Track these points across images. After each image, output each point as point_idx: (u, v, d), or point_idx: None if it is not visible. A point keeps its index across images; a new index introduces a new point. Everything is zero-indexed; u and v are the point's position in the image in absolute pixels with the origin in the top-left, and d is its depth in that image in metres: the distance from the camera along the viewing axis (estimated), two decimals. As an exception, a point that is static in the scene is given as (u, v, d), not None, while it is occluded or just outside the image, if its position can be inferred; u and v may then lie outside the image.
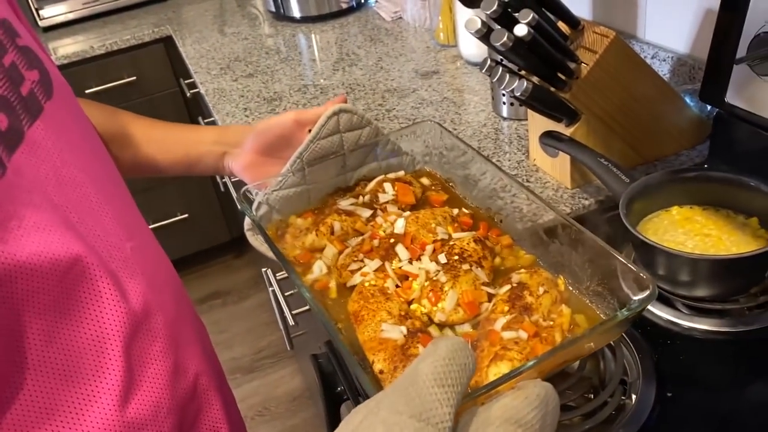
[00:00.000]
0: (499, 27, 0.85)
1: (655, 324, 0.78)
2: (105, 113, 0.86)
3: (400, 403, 0.36)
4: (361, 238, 0.76)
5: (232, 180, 1.58)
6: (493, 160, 0.92)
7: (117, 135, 0.85)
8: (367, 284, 0.68)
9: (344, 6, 2.06)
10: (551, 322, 0.60)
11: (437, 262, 0.69)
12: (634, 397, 0.68)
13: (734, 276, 0.76)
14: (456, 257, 0.68)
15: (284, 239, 0.79)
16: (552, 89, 0.95)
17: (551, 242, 0.70)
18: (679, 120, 1.05)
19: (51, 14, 2.41)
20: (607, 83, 0.95)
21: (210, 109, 1.58)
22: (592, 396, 0.68)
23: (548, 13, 0.94)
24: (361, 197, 0.82)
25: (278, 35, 2.00)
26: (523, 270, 0.67)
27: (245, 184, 0.84)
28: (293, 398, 2.26)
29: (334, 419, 0.81)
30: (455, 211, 0.78)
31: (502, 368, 0.54)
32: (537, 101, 0.93)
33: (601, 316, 0.63)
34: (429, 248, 0.71)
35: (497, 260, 0.72)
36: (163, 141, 0.89)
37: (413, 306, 0.66)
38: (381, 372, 0.58)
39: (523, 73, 0.95)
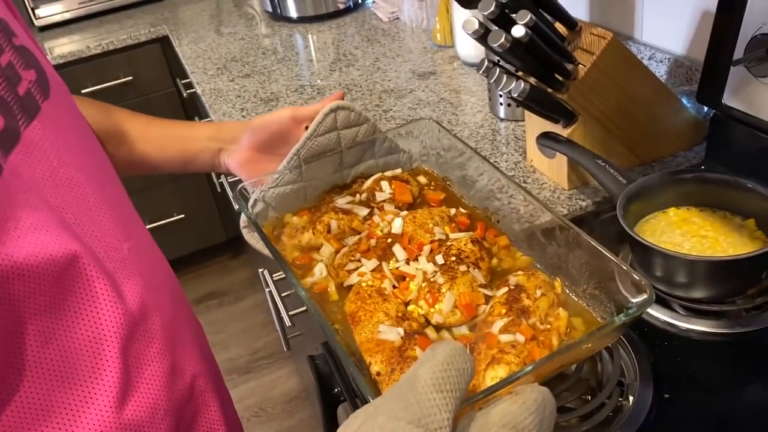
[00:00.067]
0: (497, 28, 0.85)
1: (652, 325, 0.78)
2: (100, 111, 0.85)
3: (398, 408, 0.36)
4: (358, 237, 0.76)
5: (229, 180, 1.58)
6: (490, 161, 0.91)
7: (112, 133, 0.84)
8: (364, 284, 0.67)
9: (341, 6, 2.05)
10: (548, 326, 0.60)
11: (434, 263, 0.69)
12: (631, 398, 0.68)
13: (731, 277, 0.76)
14: (453, 258, 0.68)
15: (280, 238, 0.78)
16: (549, 90, 0.95)
17: (548, 244, 0.70)
18: (676, 121, 1.05)
19: (47, 14, 2.40)
20: (605, 84, 0.95)
21: (206, 109, 1.58)
22: (590, 398, 0.68)
23: (545, 14, 0.94)
24: (358, 195, 0.82)
25: (275, 35, 1.99)
26: (520, 272, 0.67)
27: (242, 184, 0.84)
28: (290, 399, 2.26)
29: (331, 421, 0.81)
30: (452, 210, 0.78)
31: (500, 372, 0.54)
32: (534, 102, 0.93)
33: (598, 319, 0.63)
34: (426, 248, 0.71)
35: (494, 261, 0.72)
36: (158, 138, 0.89)
37: (410, 307, 0.66)
38: (378, 374, 0.58)
39: (520, 74, 0.95)
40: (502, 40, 0.83)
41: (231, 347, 2.48)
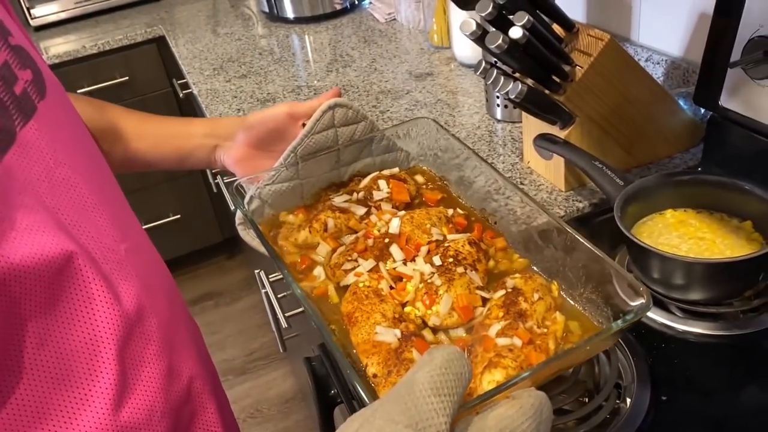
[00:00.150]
0: (494, 29, 0.85)
1: (649, 327, 0.78)
2: (94, 108, 0.85)
3: (396, 412, 0.35)
4: (355, 236, 0.76)
5: (225, 180, 1.57)
6: (488, 162, 0.91)
7: (107, 130, 0.84)
8: (361, 285, 0.67)
9: (338, 7, 2.05)
10: (545, 330, 0.60)
11: (432, 264, 0.69)
12: (628, 400, 0.68)
13: (728, 279, 0.76)
14: (451, 259, 0.68)
15: (277, 238, 0.78)
16: (546, 92, 0.95)
17: (545, 247, 0.69)
18: (673, 123, 1.05)
19: (42, 13, 2.40)
20: (602, 86, 0.95)
21: (203, 109, 1.57)
22: (587, 400, 0.68)
23: (543, 16, 0.94)
24: (355, 194, 0.82)
25: (272, 36, 1.99)
26: (517, 275, 0.67)
27: (238, 180, 0.84)
28: (286, 400, 2.25)
29: (327, 423, 0.81)
30: (450, 211, 0.78)
31: (496, 375, 0.54)
32: (531, 104, 0.93)
33: (595, 323, 0.63)
34: (424, 249, 0.71)
35: (491, 263, 0.72)
36: (153, 135, 0.88)
37: (407, 308, 0.66)
38: (375, 376, 0.58)
39: (517, 75, 0.95)
40: (500, 41, 0.83)
41: (227, 348, 2.48)
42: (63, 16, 2.42)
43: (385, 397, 0.37)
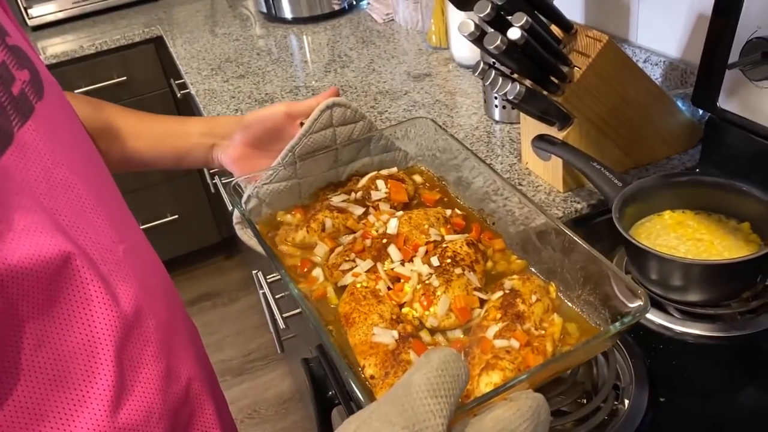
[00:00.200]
0: (492, 30, 0.85)
1: (647, 329, 0.78)
2: (92, 107, 0.84)
3: (392, 413, 0.35)
4: (352, 236, 0.76)
5: (223, 180, 1.57)
6: (486, 162, 0.91)
7: (104, 129, 0.83)
8: (358, 285, 0.67)
9: (336, 7, 2.05)
10: (543, 332, 0.60)
11: (429, 265, 0.69)
12: (626, 402, 0.68)
13: (726, 281, 0.76)
14: (449, 260, 0.68)
15: (274, 240, 0.78)
16: (545, 93, 0.95)
17: (543, 248, 0.69)
18: (671, 124, 1.05)
19: (40, 13, 2.39)
20: (600, 87, 0.95)
21: (201, 110, 1.57)
22: (585, 401, 0.68)
23: (541, 17, 0.94)
24: (353, 193, 0.82)
25: (270, 36, 1.99)
26: (515, 276, 0.67)
27: (235, 179, 0.83)
28: (283, 401, 2.25)
29: (325, 424, 0.81)
30: (448, 211, 0.78)
31: (494, 378, 0.54)
32: (530, 105, 0.93)
33: (593, 325, 0.63)
34: (421, 250, 0.71)
35: (489, 264, 0.72)
36: (150, 135, 0.88)
37: (405, 309, 0.65)
38: (372, 377, 0.58)
39: (515, 76, 0.95)
40: (498, 42, 0.83)
41: (225, 348, 2.48)
42: (60, 15, 2.42)
43: (382, 398, 0.37)
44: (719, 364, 0.75)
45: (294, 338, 1.45)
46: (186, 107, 2.28)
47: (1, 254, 0.41)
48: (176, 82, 2.11)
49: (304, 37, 1.96)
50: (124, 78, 2.30)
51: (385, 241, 0.72)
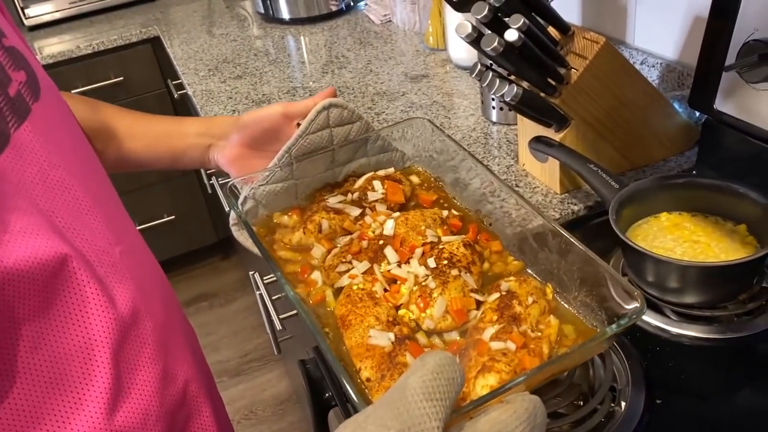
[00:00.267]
0: (490, 32, 0.85)
1: (644, 330, 0.78)
2: (88, 107, 0.84)
3: (388, 417, 0.35)
4: (349, 237, 0.75)
5: (219, 181, 1.57)
6: (483, 163, 0.91)
7: (100, 130, 0.83)
8: (355, 287, 0.67)
9: (333, 8, 2.05)
10: (539, 333, 0.60)
11: (426, 266, 0.68)
12: (623, 404, 0.68)
13: (723, 283, 0.77)
14: (445, 262, 0.68)
15: (272, 240, 0.78)
16: (542, 94, 0.95)
17: (540, 249, 0.69)
18: (667, 126, 1.06)
19: (37, 13, 2.39)
20: (597, 89, 0.95)
21: (198, 110, 1.57)
22: (582, 403, 0.68)
23: (538, 19, 0.93)
24: (349, 194, 0.81)
25: (267, 37, 1.99)
26: (512, 278, 0.67)
27: (232, 180, 0.83)
28: (280, 402, 2.25)
29: (321, 426, 0.80)
30: (445, 212, 0.78)
31: (490, 380, 0.54)
32: (527, 106, 0.93)
33: (589, 327, 0.63)
34: (418, 251, 0.71)
35: (485, 265, 0.72)
36: (146, 135, 0.87)
37: (401, 311, 0.65)
38: (368, 380, 0.58)
39: (513, 78, 0.95)
40: (495, 44, 0.83)
41: (221, 349, 2.47)
42: (57, 16, 2.42)
43: (378, 402, 0.37)
44: (716, 366, 0.75)
45: (290, 339, 1.44)
46: (183, 108, 2.28)
47: None
48: (173, 82, 2.11)
49: (302, 37, 1.95)
50: (121, 78, 2.29)
51: (381, 242, 0.72)
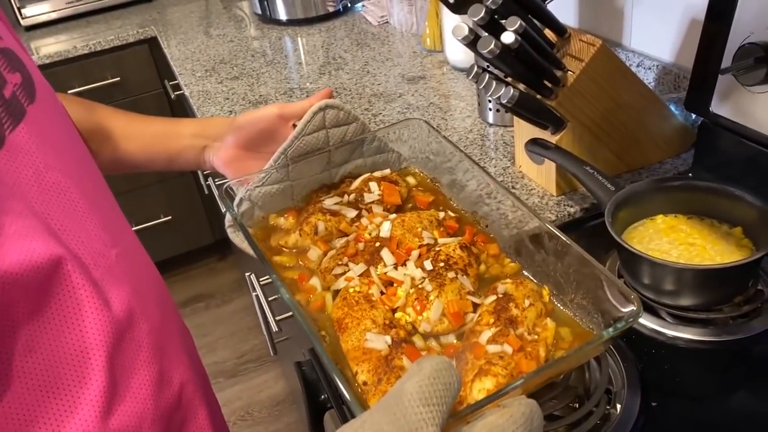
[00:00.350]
0: (486, 34, 0.85)
1: (640, 333, 0.78)
2: (84, 108, 0.84)
3: (384, 422, 0.35)
4: (345, 239, 0.75)
5: (216, 182, 1.57)
6: (480, 165, 0.91)
7: (96, 131, 0.83)
8: (351, 290, 0.67)
9: (331, 9, 2.05)
10: (536, 336, 0.60)
11: (423, 269, 0.68)
12: (619, 406, 0.68)
13: (718, 286, 0.77)
14: (442, 264, 0.68)
15: (267, 243, 0.78)
16: (538, 97, 0.95)
17: (536, 251, 0.69)
18: (664, 128, 1.06)
19: (33, 13, 2.38)
20: (593, 91, 0.95)
21: (194, 111, 1.57)
22: (577, 406, 0.68)
23: (535, 21, 0.94)
24: (346, 196, 0.81)
25: (264, 38, 1.99)
26: (508, 280, 0.67)
27: (228, 182, 0.83)
28: (276, 403, 2.25)
29: (317, 428, 0.80)
30: (441, 214, 0.78)
31: (487, 384, 0.54)
32: (523, 108, 0.93)
33: (586, 329, 0.63)
34: (415, 253, 0.71)
35: (482, 267, 0.72)
36: (141, 136, 0.87)
37: (398, 314, 0.65)
38: (365, 383, 0.58)
39: (509, 80, 0.95)
40: (492, 46, 0.83)
41: (218, 350, 2.47)
42: (54, 16, 2.41)
43: (374, 407, 0.37)
44: (711, 368, 0.75)
45: (287, 341, 1.44)
46: (180, 108, 2.27)
47: None
48: (170, 83, 2.11)
49: (299, 38, 1.95)
50: (118, 79, 2.29)
51: (378, 244, 0.72)
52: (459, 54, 1.52)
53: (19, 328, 0.43)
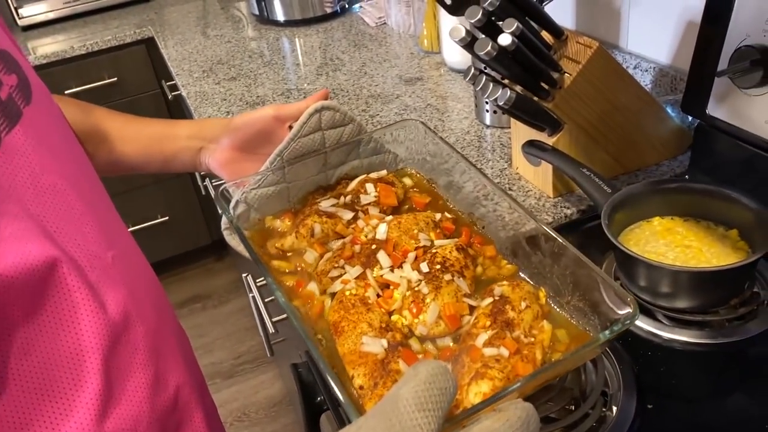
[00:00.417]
0: (483, 36, 0.85)
1: (636, 335, 0.78)
2: (80, 110, 0.83)
3: (380, 428, 0.35)
4: (341, 241, 0.75)
5: (213, 183, 1.57)
6: (477, 167, 0.91)
7: (92, 132, 0.82)
8: (348, 293, 0.67)
9: (328, 10, 2.05)
10: (532, 339, 0.60)
11: (419, 271, 0.68)
12: (615, 408, 0.68)
13: (714, 288, 0.77)
14: (438, 266, 0.68)
15: (264, 248, 0.78)
16: (535, 99, 0.95)
17: (533, 253, 0.69)
18: (660, 130, 1.06)
19: (31, 13, 2.38)
20: (590, 93, 0.96)
21: (191, 112, 1.57)
22: (573, 408, 0.68)
23: (532, 23, 0.94)
24: (342, 198, 0.81)
25: (262, 38, 1.98)
26: (505, 282, 0.67)
27: (223, 185, 0.83)
28: (273, 404, 2.25)
29: (313, 429, 0.80)
30: (438, 216, 0.78)
31: (483, 387, 0.54)
32: (520, 110, 0.93)
33: (582, 331, 0.63)
34: (411, 255, 0.71)
35: (479, 269, 0.72)
36: (137, 138, 0.87)
37: (394, 317, 0.65)
38: (361, 387, 0.57)
39: (506, 82, 0.95)
40: (489, 48, 0.83)
41: (215, 351, 2.47)
42: (51, 16, 2.41)
43: (370, 413, 0.37)
44: (707, 370, 0.75)
45: (283, 342, 1.44)
46: (177, 109, 2.27)
47: None
48: (167, 83, 2.10)
49: (296, 39, 1.95)
50: (115, 79, 2.29)
51: (374, 246, 0.72)
52: (456, 55, 1.52)
53: (15, 331, 0.43)
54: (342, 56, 1.75)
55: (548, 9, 0.97)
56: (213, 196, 1.50)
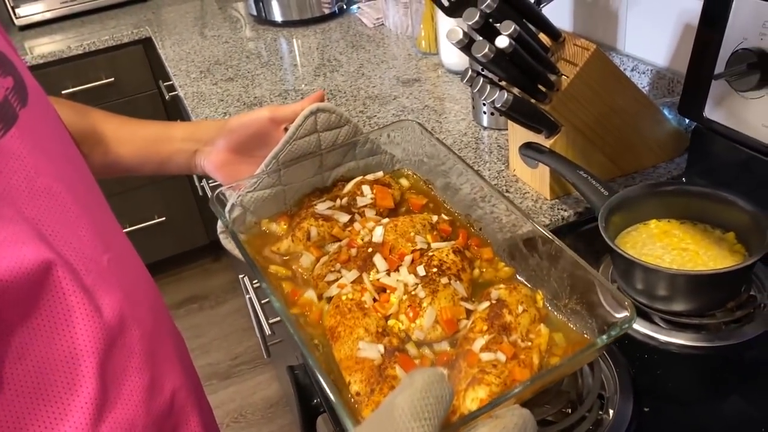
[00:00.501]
0: (481, 38, 0.85)
1: (632, 338, 0.78)
2: (76, 112, 0.83)
3: (376, 438, 0.35)
4: (338, 245, 0.75)
5: (210, 184, 1.56)
6: (474, 168, 0.91)
7: (87, 134, 0.82)
8: (344, 298, 0.66)
9: (326, 11, 2.05)
10: (529, 343, 0.60)
11: (416, 275, 0.68)
12: (611, 411, 0.68)
13: (711, 291, 0.77)
14: (435, 269, 0.68)
15: (262, 256, 0.77)
16: (532, 101, 0.95)
17: (530, 256, 0.69)
18: (657, 133, 1.06)
19: (28, 13, 2.38)
20: (588, 95, 0.96)
21: (189, 112, 1.56)
22: (570, 411, 0.68)
23: (529, 25, 0.94)
24: (338, 200, 0.81)
25: (259, 39, 1.98)
26: (502, 285, 0.67)
27: (219, 189, 0.82)
28: (270, 405, 2.24)
29: (310, 432, 0.80)
30: (434, 218, 0.78)
31: (480, 393, 0.54)
32: (517, 112, 0.93)
33: (579, 335, 0.63)
34: (407, 259, 0.71)
35: (476, 272, 0.71)
36: (132, 140, 0.86)
37: (390, 322, 0.65)
38: (357, 394, 0.57)
39: (503, 84, 0.95)
40: (486, 50, 0.83)
41: (211, 352, 2.46)
42: (48, 16, 2.40)
43: (365, 422, 0.37)
44: (704, 374, 0.75)
45: (281, 343, 1.44)
46: (174, 109, 2.27)
47: None
48: (165, 83, 2.10)
49: (294, 40, 1.95)
50: (112, 79, 2.28)
51: (370, 250, 0.72)
52: (454, 57, 1.52)
53: (10, 335, 0.43)
54: (339, 57, 1.75)
55: (546, 11, 0.97)
56: (209, 198, 1.50)
